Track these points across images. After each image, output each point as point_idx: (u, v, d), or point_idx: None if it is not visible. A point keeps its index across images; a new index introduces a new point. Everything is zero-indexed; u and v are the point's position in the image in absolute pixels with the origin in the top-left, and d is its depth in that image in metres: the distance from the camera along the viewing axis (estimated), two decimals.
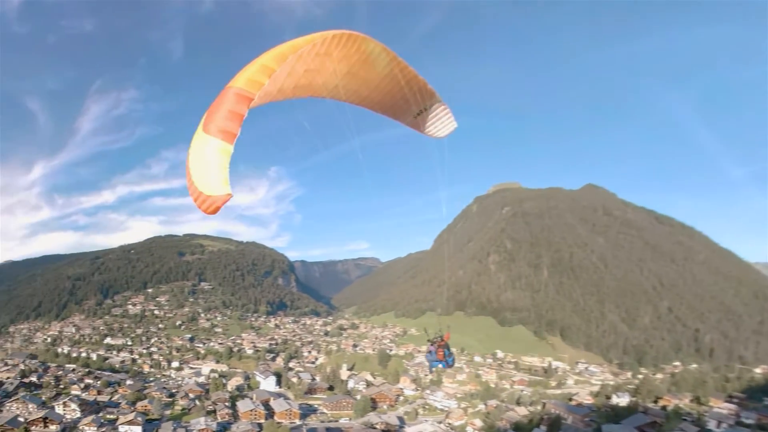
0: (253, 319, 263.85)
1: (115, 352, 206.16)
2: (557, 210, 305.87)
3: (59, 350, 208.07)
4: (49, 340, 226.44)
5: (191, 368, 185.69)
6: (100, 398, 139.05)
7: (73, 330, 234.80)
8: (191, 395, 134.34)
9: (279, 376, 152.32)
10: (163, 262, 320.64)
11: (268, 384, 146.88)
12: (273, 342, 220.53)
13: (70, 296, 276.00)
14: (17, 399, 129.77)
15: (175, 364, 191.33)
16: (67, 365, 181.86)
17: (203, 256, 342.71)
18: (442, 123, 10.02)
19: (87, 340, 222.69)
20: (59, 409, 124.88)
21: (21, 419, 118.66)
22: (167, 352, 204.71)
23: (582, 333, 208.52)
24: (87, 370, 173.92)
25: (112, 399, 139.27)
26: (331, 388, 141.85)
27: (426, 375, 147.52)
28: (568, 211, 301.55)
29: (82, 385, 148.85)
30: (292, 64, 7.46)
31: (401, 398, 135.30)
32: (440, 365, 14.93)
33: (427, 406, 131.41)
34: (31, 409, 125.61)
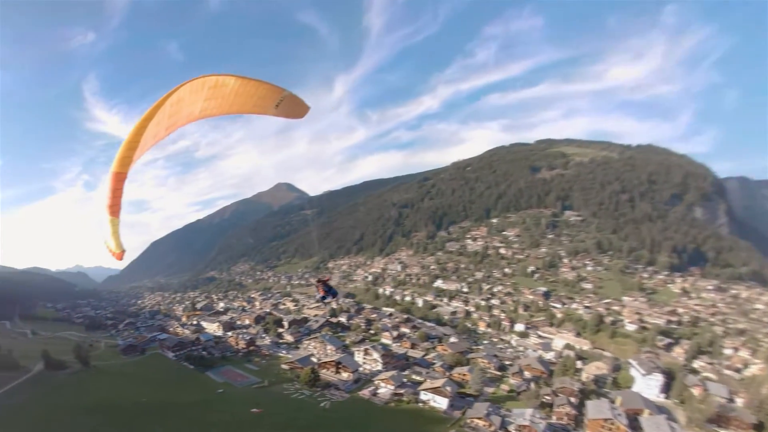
0: (645, 275, 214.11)
1: (445, 300, 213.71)
2: None
3: (380, 291, 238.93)
4: (370, 278, 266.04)
5: (540, 337, 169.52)
6: (412, 353, 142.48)
7: (399, 268, 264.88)
8: (527, 374, 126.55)
9: (670, 379, 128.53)
10: (511, 181, 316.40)
11: (646, 386, 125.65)
12: (673, 319, 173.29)
13: (396, 227, 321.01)
14: (317, 338, 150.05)
15: (519, 327, 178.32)
16: (385, 308, 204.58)
17: (567, 171, 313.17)
18: (297, 107, 16.71)
19: (414, 281, 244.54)
20: (358, 357, 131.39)
21: (314, 359, 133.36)
22: (512, 308, 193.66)
23: None
24: (406, 317, 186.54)
25: (426, 357, 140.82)
26: (759, 427, 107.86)
27: None
28: None
29: (395, 334, 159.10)
30: (155, 123, 13.38)
31: None
32: (328, 298, 25.85)
33: None
34: (329, 351, 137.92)
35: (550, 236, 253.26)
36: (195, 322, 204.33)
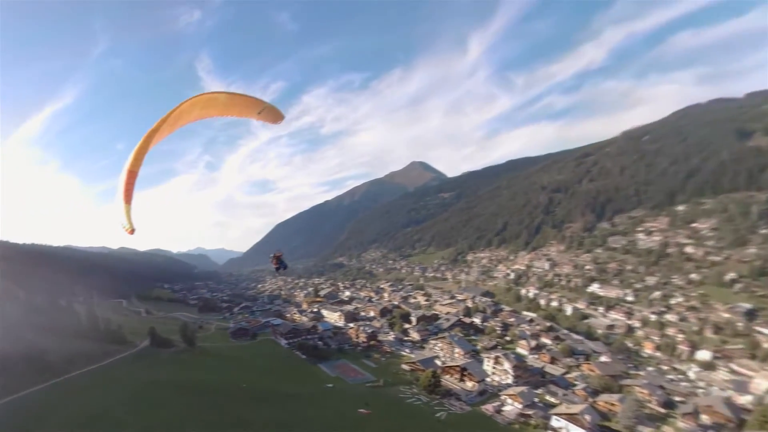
0: None
1: (600, 309, 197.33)
2: None
3: (522, 292, 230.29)
4: (512, 276, 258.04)
5: (733, 372, 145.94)
6: (550, 369, 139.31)
7: (546, 266, 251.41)
8: (705, 418, 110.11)
9: None
10: (708, 152, 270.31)
11: None
12: None
13: (545, 216, 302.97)
14: (445, 338, 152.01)
15: (703, 354, 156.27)
16: (525, 313, 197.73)
17: None
18: (276, 115, 23.17)
19: (563, 283, 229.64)
20: (487, 365, 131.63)
21: (438, 362, 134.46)
22: (695, 328, 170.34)
23: None
24: (549, 325, 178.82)
25: (566, 375, 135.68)
26: None
27: None
28: None
29: (533, 344, 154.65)
30: (160, 131, 19.65)
31: None
32: (281, 269, 32.58)
33: None
34: (456, 355, 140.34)
35: (765, 231, 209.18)
36: (315, 310, 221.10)
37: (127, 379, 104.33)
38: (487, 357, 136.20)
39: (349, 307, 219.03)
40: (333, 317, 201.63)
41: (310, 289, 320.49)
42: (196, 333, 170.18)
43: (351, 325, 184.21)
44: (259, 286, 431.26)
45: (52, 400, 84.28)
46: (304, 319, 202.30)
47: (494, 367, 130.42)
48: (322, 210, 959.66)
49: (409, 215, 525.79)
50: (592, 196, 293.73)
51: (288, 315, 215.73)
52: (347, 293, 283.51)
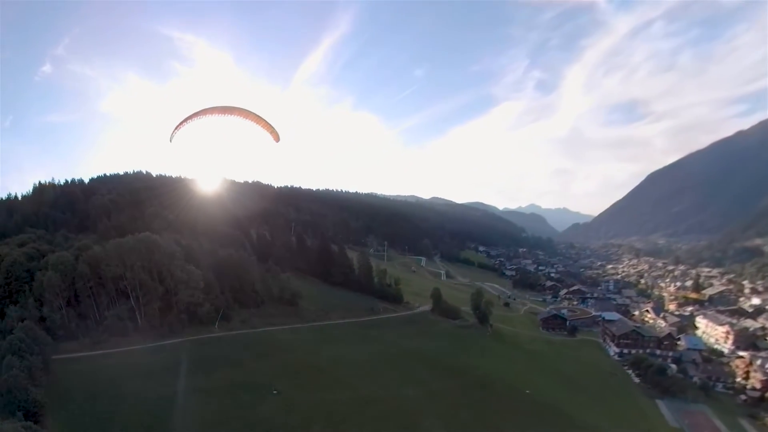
0: None
1: None
2: None
3: None
4: None
5: None
6: None
7: None
8: None
9: None
10: None
11: None
12: None
13: None
14: None
15: None
16: None
17: None
18: (276, 135, 57.30)
19: None
20: None
21: None
22: None
23: None
24: None
25: None
26: None
27: None
28: None
29: None
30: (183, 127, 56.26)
31: None
32: None
33: None
34: None
35: None
36: (686, 313, 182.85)
37: (379, 342, 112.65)
38: None
39: (751, 324, 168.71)
40: (714, 332, 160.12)
41: (688, 282, 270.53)
42: (494, 309, 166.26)
43: (742, 353, 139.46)
44: (609, 266, 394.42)
45: (280, 341, 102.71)
46: (661, 323, 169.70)
47: None
48: (731, 149, 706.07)
49: None
50: None
51: (635, 313, 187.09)
52: (755, 300, 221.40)
